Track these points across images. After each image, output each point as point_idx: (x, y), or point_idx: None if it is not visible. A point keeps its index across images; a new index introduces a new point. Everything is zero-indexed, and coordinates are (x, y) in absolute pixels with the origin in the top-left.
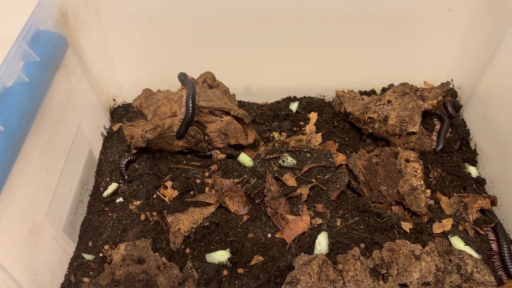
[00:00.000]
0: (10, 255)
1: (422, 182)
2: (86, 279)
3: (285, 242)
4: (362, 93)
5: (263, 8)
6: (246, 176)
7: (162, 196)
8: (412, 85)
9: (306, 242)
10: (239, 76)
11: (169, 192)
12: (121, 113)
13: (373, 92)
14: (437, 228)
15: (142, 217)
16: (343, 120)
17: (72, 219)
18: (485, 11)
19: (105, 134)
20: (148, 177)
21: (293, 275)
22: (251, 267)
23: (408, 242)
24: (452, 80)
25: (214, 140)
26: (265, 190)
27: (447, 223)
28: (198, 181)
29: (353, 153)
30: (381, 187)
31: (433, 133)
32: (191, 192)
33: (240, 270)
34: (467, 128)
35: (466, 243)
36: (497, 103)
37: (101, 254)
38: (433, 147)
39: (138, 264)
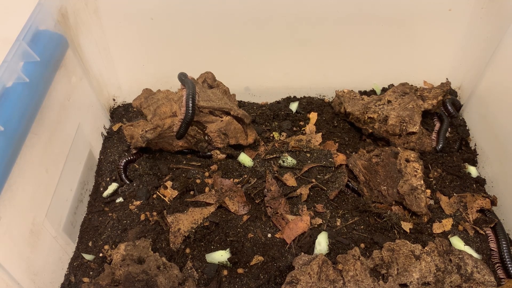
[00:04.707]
0: (10, 255)
1: (422, 182)
2: (86, 279)
3: (285, 242)
4: (362, 93)
5: (263, 8)
6: (246, 176)
7: (162, 196)
8: (412, 85)
9: (306, 242)
10: (239, 76)
11: (169, 192)
12: (121, 113)
13: (373, 92)
14: (437, 228)
15: (142, 217)
16: (343, 120)
17: (72, 219)
18: (485, 11)
19: (105, 134)
20: (148, 177)
21: (293, 275)
22: (251, 267)
23: (408, 242)
24: (447, 79)
25: (214, 140)
26: (265, 190)
27: (447, 223)
28: (198, 181)
29: (353, 153)
30: (381, 187)
31: (433, 132)
32: (191, 192)
33: (240, 270)
34: (467, 128)
35: (466, 243)
36: (497, 103)
37: (101, 254)
38: (433, 146)
39: (138, 264)
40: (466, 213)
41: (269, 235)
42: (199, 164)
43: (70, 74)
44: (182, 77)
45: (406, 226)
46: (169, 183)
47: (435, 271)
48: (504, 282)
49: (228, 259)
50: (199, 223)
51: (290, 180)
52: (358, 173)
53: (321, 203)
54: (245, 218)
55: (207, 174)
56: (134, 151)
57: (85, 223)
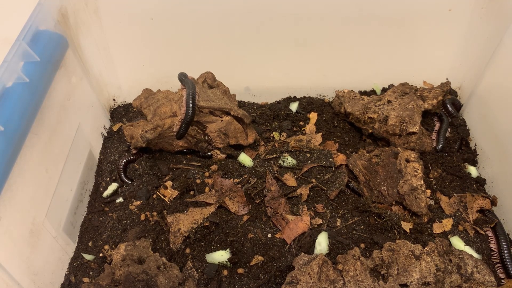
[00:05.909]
0: (10, 255)
1: (422, 182)
2: (86, 279)
3: (285, 242)
4: (362, 93)
5: (263, 8)
6: (246, 176)
7: (162, 196)
8: (412, 85)
9: (306, 242)
10: (239, 76)
11: (169, 192)
12: (121, 113)
13: (373, 92)
14: (437, 228)
15: (142, 217)
16: (343, 120)
17: (72, 219)
18: (485, 11)
19: (105, 134)
20: (148, 177)
21: (293, 275)
22: (251, 267)
23: (408, 242)
24: (447, 79)
25: (214, 140)
26: (265, 190)
27: (447, 223)
28: (198, 181)
29: (353, 153)
30: (381, 187)
31: (433, 132)
32: (191, 192)
33: (240, 270)
34: (467, 128)
35: (466, 243)
36: (497, 103)
37: (101, 254)
38: (434, 146)
39: (138, 264)
40: (466, 213)
41: (269, 235)
42: (199, 164)
43: (70, 74)
44: (182, 77)
45: (406, 226)
46: (169, 183)
47: (435, 271)
48: (504, 282)
49: (228, 259)
50: (199, 223)
51: (290, 180)
52: (358, 173)
53: (321, 203)
54: (245, 218)
55: (207, 174)
56: (134, 151)
57: (85, 223)
